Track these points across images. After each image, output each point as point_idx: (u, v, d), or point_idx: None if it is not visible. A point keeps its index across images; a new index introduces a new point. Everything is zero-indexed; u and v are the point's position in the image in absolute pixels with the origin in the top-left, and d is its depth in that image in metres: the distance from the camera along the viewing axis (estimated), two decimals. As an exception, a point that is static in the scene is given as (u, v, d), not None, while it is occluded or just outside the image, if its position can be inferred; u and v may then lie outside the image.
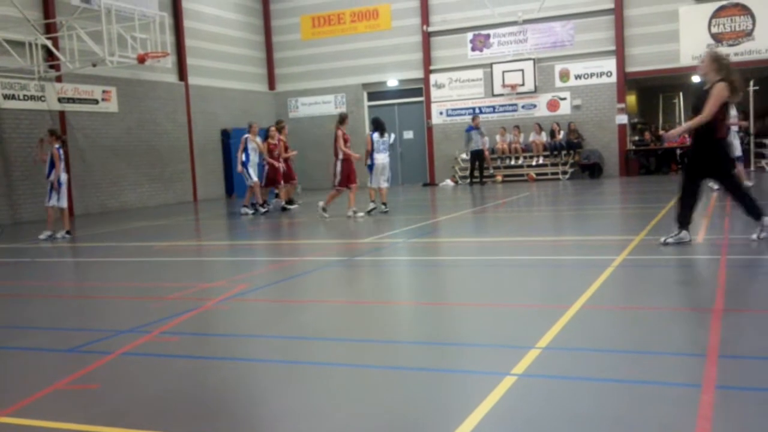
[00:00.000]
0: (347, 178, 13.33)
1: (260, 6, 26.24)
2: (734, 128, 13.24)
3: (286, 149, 16.03)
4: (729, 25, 20.93)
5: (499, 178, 22.72)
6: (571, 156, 22.56)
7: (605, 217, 12.23)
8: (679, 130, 9.10)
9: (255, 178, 15.40)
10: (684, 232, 7.67)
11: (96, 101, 19.04)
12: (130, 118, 20.13)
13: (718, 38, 21.08)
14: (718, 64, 7.44)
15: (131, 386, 3.98)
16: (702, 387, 3.43)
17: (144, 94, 20.64)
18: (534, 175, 22.50)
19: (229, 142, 23.67)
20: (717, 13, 21.06)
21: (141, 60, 16.42)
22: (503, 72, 23.14)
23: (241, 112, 24.49)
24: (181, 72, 22.26)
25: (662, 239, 7.74)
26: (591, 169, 22.44)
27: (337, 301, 6.22)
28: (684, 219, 7.71)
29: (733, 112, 13.19)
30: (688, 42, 21.40)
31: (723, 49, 20.83)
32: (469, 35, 23.84)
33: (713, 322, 4.61)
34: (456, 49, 23.96)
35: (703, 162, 7.60)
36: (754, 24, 20.70)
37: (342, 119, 13.51)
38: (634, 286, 6.18)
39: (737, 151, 13.22)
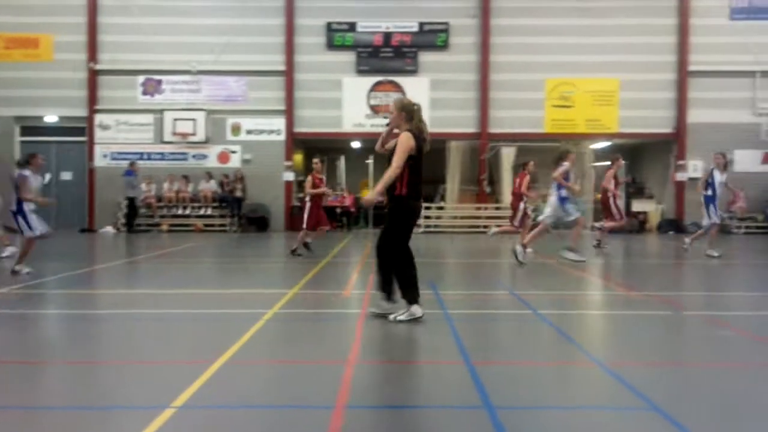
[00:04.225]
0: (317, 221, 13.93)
1: None
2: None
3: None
4: (384, 99, 23.23)
5: (165, 227, 22.08)
6: (239, 208, 22.86)
7: (263, 270, 12.46)
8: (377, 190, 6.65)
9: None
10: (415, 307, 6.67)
11: None
12: None
13: (375, 110, 23.25)
14: (407, 113, 6.69)
15: None
16: (326, 439, 3.54)
17: None
18: (201, 226, 22.27)
19: None
20: (375, 87, 23.29)
21: None
22: (174, 119, 22.80)
23: None
24: None
25: (392, 316, 6.71)
26: (258, 223, 22.93)
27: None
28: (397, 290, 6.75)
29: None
30: (350, 110, 23.30)
31: (379, 121, 23.08)
32: (141, 78, 23.12)
33: (346, 373, 4.84)
34: (126, 91, 23.03)
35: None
36: (404, 100, 23.21)
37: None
38: (280, 340, 6.28)
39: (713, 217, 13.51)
